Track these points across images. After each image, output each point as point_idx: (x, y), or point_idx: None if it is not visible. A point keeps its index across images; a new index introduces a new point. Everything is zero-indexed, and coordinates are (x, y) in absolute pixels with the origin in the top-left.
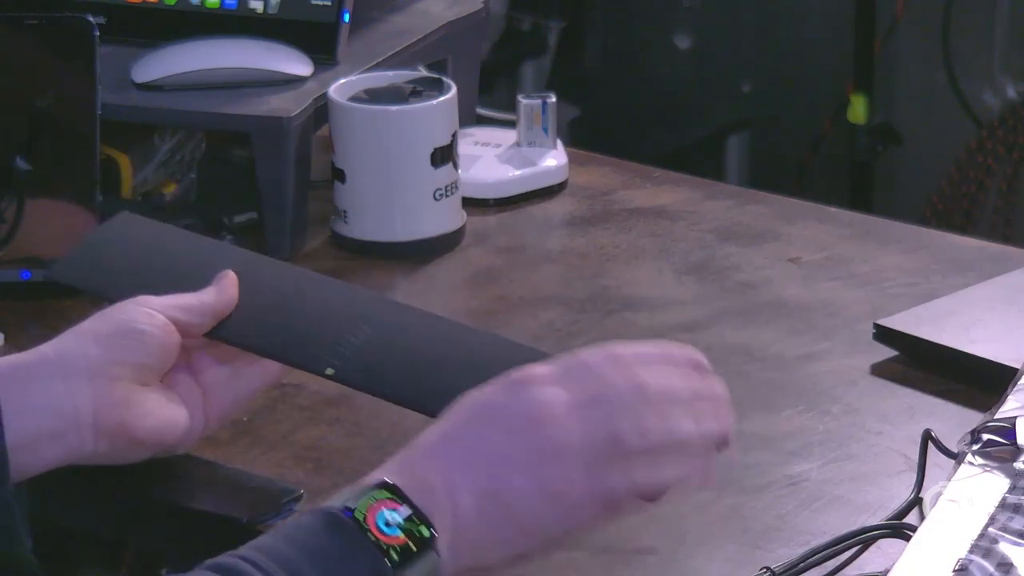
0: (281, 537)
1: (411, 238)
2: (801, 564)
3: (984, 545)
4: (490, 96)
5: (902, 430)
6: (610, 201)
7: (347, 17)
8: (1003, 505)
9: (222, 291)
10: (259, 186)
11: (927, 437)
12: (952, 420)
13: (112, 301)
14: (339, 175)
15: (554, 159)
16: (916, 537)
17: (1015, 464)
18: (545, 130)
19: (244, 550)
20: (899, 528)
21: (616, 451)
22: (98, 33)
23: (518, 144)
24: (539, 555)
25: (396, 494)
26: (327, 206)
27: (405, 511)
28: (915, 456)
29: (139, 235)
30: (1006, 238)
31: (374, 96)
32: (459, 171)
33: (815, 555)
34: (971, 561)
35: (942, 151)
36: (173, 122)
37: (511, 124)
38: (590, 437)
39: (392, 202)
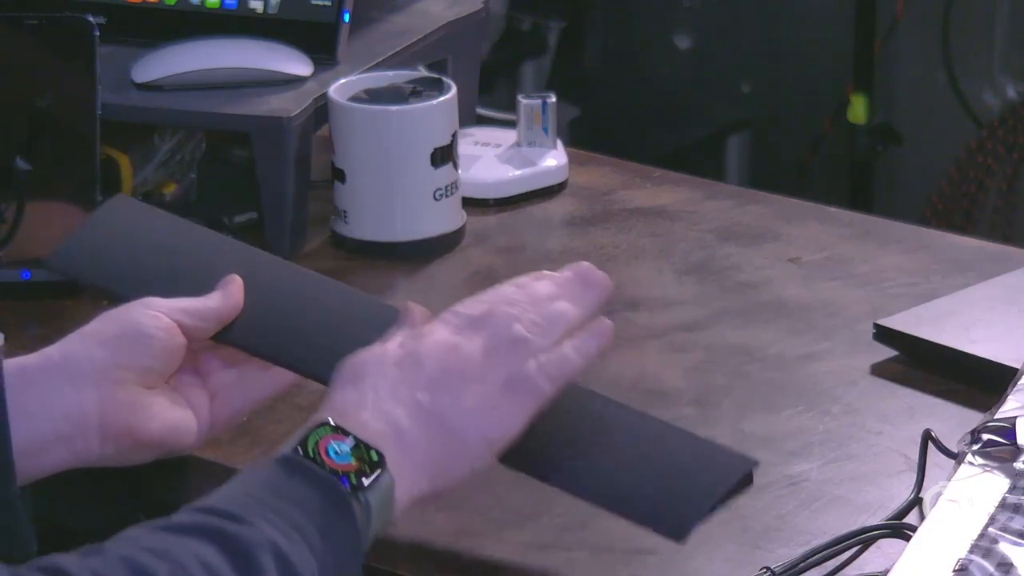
0: (242, 486)
1: (411, 238)
2: (801, 564)
3: (984, 545)
4: (490, 96)
5: (902, 430)
6: (610, 201)
7: (347, 17)
8: (1003, 505)
9: (228, 296)
10: (259, 186)
11: (927, 437)
12: (952, 420)
13: (111, 293)
14: (339, 175)
15: (554, 159)
16: (916, 537)
17: (1015, 464)
18: (545, 130)
19: (215, 503)
20: (899, 528)
21: (517, 347)
22: (98, 33)
23: (518, 144)
24: (489, 466)
25: (338, 429)
26: (327, 206)
27: (351, 441)
28: (915, 456)
29: (135, 223)
30: (1006, 238)
31: (374, 96)
32: (459, 171)
33: (815, 555)
34: (971, 561)
35: (942, 151)
36: (173, 122)
37: (511, 124)
38: (490, 343)
39: (392, 202)
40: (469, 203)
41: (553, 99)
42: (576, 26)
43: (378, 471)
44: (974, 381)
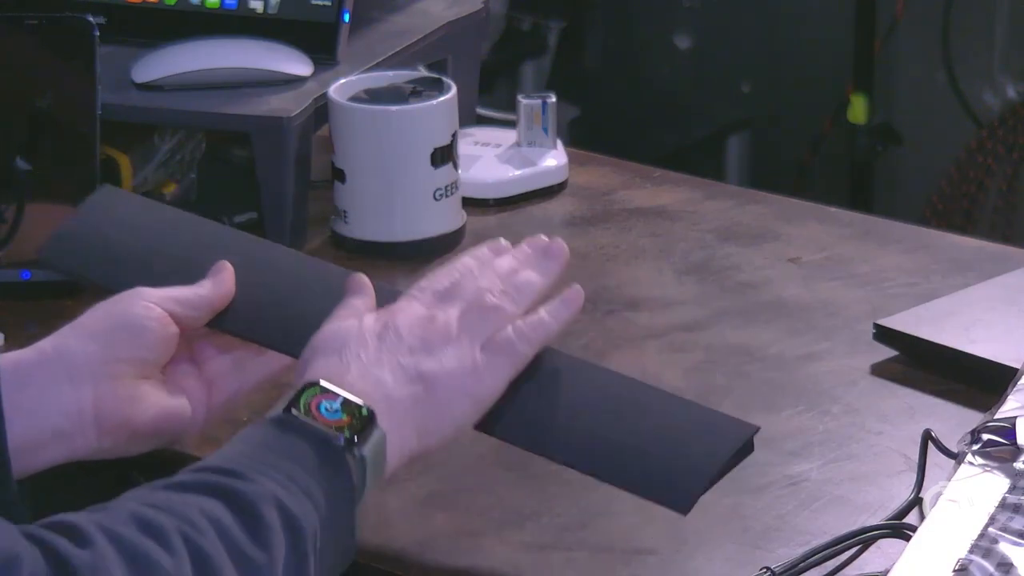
0: (240, 446)
1: (411, 238)
2: (801, 564)
3: (984, 545)
4: (490, 96)
5: (902, 430)
6: (610, 201)
7: (347, 17)
8: (1003, 505)
9: (219, 284)
10: (259, 186)
11: (927, 437)
12: (952, 420)
13: (103, 286)
14: (339, 175)
15: (554, 159)
16: (916, 537)
17: (1015, 464)
18: (545, 130)
19: (215, 462)
20: (899, 528)
21: (490, 314)
22: (98, 33)
23: (518, 144)
24: (474, 421)
25: (326, 389)
26: (327, 206)
27: (340, 398)
28: (915, 456)
29: (123, 214)
30: (1006, 238)
31: (374, 96)
32: (459, 171)
33: (815, 555)
34: (971, 561)
35: (942, 151)
36: (173, 122)
37: (511, 124)
38: (464, 312)
39: (392, 202)
40: (469, 203)
41: (553, 99)
42: (576, 26)
43: (370, 425)
44: (974, 381)
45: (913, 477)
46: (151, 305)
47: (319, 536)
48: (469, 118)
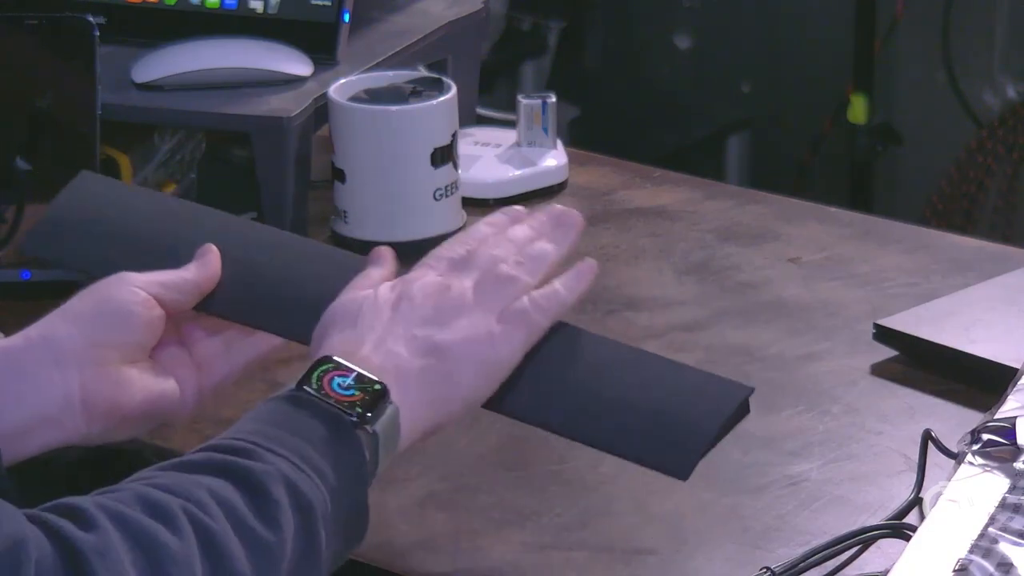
0: (251, 423)
1: (411, 238)
2: (801, 564)
3: (984, 545)
4: (490, 96)
5: (902, 430)
6: (610, 201)
7: (347, 17)
8: (1003, 505)
9: (204, 266)
10: (259, 186)
11: (927, 437)
12: (952, 420)
13: (87, 272)
14: (339, 175)
15: (554, 159)
16: (916, 537)
17: (1015, 464)
18: (545, 130)
19: (224, 441)
20: (899, 528)
21: (506, 284)
22: (98, 33)
23: (518, 144)
24: (489, 394)
25: (339, 365)
26: (327, 206)
27: (353, 373)
28: (915, 456)
29: (105, 198)
30: (1006, 238)
31: (374, 96)
32: (459, 171)
33: (815, 555)
34: (971, 561)
35: (942, 151)
36: (173, 122)
37: (511, 124)
38: (479, 281)
39: (392, 202)
40: (469, 203)
41: (553, 99)
42: (576, 26)
43: (382, 401)
44: (974, 381)
45: (913, 477)
46: (136, 289)
47: (329, 514)
48: (469, 118)
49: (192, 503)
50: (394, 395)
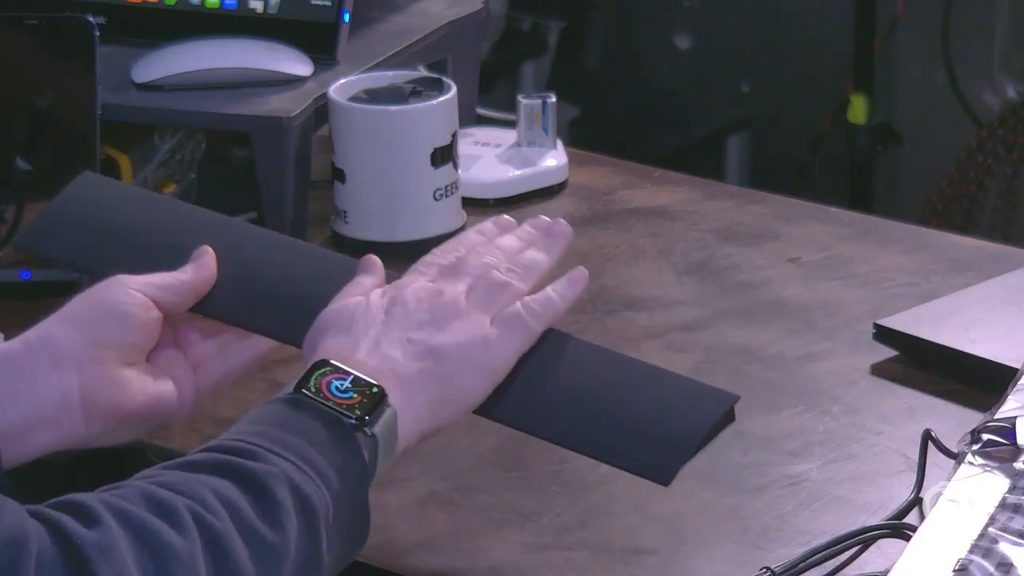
0: (251, 425)
1: (411, 238)
2: (801, 564)
3: (984, 545)
4: (490, 96)
5: (902, 430)
6: (610, 201)
7: (347, 17)
8: (1003, 505)
9: (200, 268)
10: (259, 186)
11: (927, 437)
12: (952, 420)
13: (84, 271)
14: (339, 175)
15: (554, 159)
16: (916, 537)
17: (1015, 464)
18: (545, 130)
19: (226, 442)
20: (899, 528)
21: (499, 290)
22: (98, 33)
23: (518, 144)
24: (485, 395)
25: (336, 368)
26: (327, 206)
27: (350, 376)
28: (915, 456)
29: (104, 198)
30: (1006, 238)
31: (374, 96)
32: (459, 171)
33: (815, 555)
34: (971, 561)
35: (942, 151)
36: (173, 122)
37: (511, 124)
38: (472, 287)
39: (392, 202)
40: (469, 203)
41: (553, 99)
42: (576, 26)
43: (380, 404)
44: (974, 381)
45: (913, 477)
46: (132, 291)
47: (332, 516)
48: (469, 118)
49: (197, 502)
50: (392, 398)
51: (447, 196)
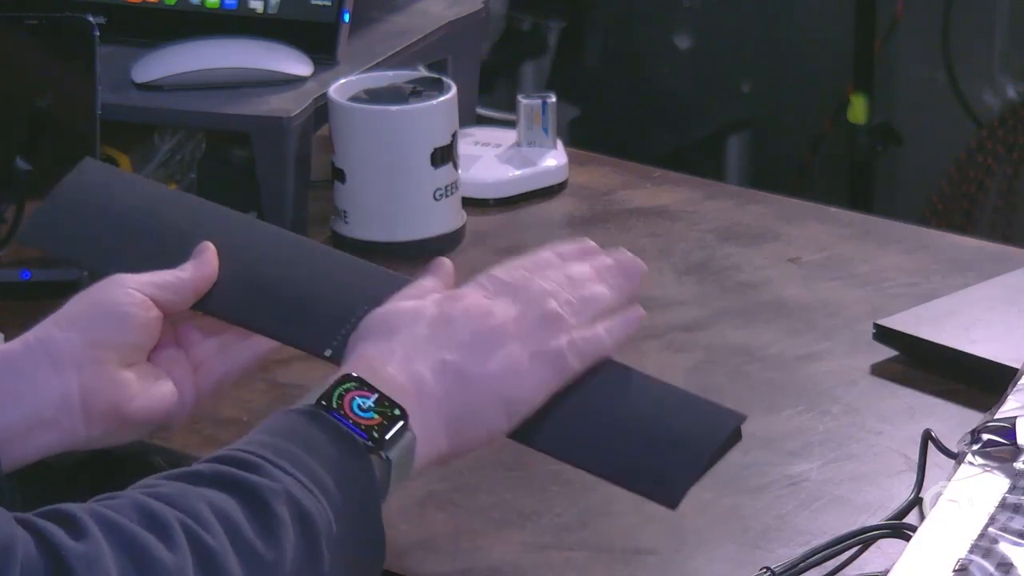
0: (264, 435)
1: (411, 238)
2: (801, 564)
3: (984, 545)
4: (490, 96)
5: (902, 430)
6: (610, 201)
7: (347, 17)
8: (1003, 505)
9: (200, 266)
10: (259, 186)
11: (927, 437)
12: (952, 420)
13: (84, 265)
14: (339, 175)
15: (554, 159)
16: (916, 537)
17: (1015, 464)
18: (545, 130)
19: (233, 453)
20: (899, 528)
21: (550, 321)
22: (98, 33)
23: (518, 144)
24: (507, 429)
25: (363, 384)
26: (327, 206)
27: (375, 395)
28: (915, 456)
29: (106, 189)
30: (1006, 238)
31: (374, 96)
32: (459, 171)
33: (815, 555)
34: (971, 561)
35: (942, 151)
36: (173, 122)
37: (511, 124)
38: (523, 312)
39: (392, 202)
40: (469, 203)
41: (553, 99)
42: (576, 26)
43: (399, 426)
44: (974, 381)
45: (913, 477)
46: (132, 291)
47: (335, 535)
48: (469, 118)
49: (191, 517)
50: (413, 420)
51: (447, 196)
